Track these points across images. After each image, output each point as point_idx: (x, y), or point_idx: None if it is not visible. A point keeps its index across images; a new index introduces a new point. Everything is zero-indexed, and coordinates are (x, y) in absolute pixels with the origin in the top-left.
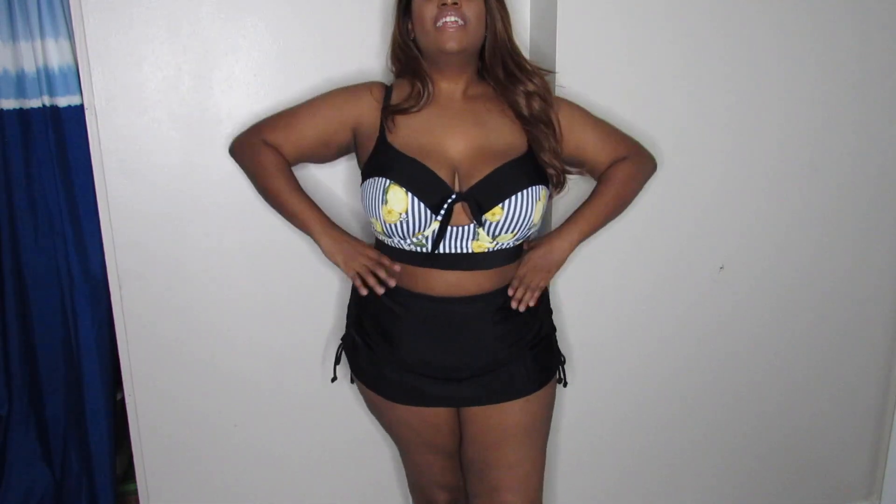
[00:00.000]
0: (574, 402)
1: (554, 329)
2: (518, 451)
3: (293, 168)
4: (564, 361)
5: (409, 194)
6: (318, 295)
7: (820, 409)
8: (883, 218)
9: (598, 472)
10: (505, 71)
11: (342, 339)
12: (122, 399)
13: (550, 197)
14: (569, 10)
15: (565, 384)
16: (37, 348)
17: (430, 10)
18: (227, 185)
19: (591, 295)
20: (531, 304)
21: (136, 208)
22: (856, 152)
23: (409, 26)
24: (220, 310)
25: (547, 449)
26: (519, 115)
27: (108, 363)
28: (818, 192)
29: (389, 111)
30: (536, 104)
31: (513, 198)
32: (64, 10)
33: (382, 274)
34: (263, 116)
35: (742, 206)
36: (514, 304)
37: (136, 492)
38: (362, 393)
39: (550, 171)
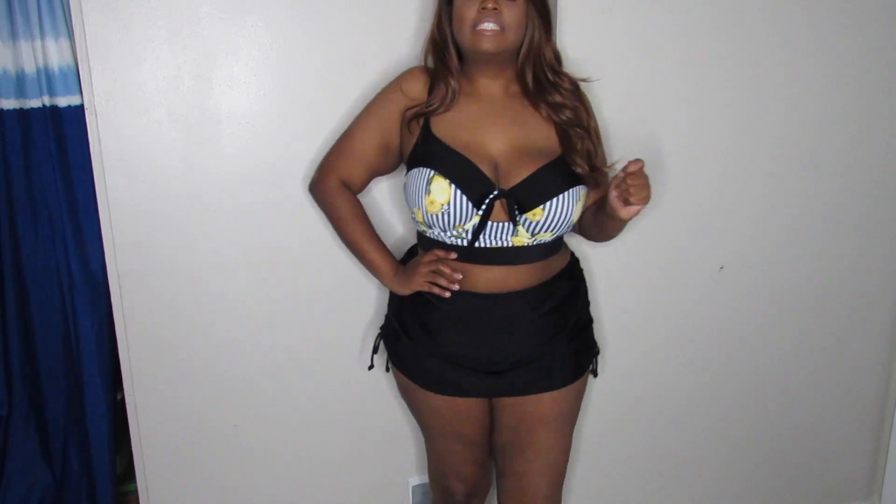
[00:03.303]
0: None
1: (591, 320)
2: (549, 438)
3: (370, 183)
4: (598, 352)
5: (453, 186)
6: (318, 295)
7: (820, 409)
8: (883, 218)
9: (598, 471)
10: (535, 79)
11: (381, 328)
12: (122, 399)
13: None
14: (569, 11)
15: (596, 374)
16: (37, 348)
17: (470, 12)
18: (227, 184)
19: (591, 295)
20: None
21: (136, 208)
22: (856, 152)
23: (449, 22)
24: (220, 310)
25: None
26: (553, 118)
27: (108, 363)
28: (818, 192)
29: (418, 114)
30: (565, 114)
31: (555, 199)
32: (64, 10)
33: (446, 269)
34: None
35: (742, 206)
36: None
37: (136, 492)
38: (396, 378)
39: (579, 171)
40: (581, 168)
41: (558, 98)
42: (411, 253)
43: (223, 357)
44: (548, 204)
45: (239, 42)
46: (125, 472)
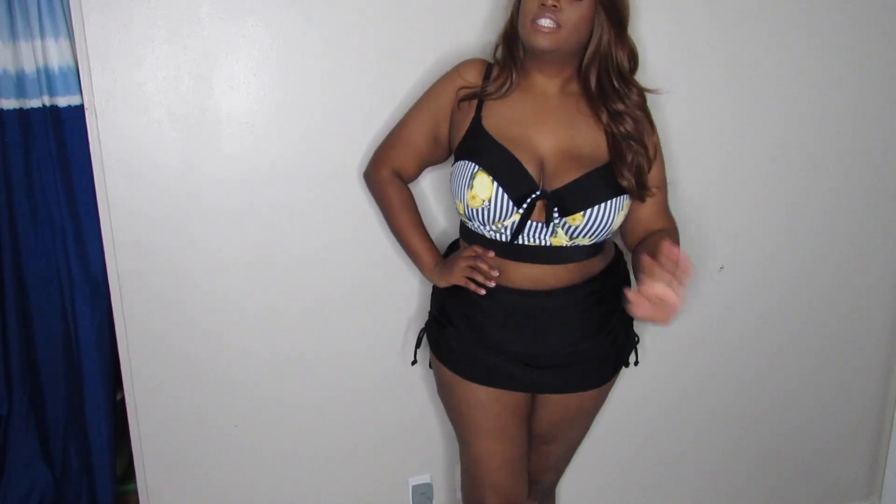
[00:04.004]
0: None
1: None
2: (580, 427)
3: (422, 173)
4: (638, 341)
5: (495, 183)
6: (319, 295)
7: (819, 409)
8: (882, 218)
9: (598, 470)
10: (599, 84)
11: (426, 323)
12: (122, 399)
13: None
14: None
15: (637, 363)
16: (37, 348)
17: (531, 6)
18: (227, 184)
19: None
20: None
21: (136, 208)
22: (855, 152)
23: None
24: (220, 310)
25: None
26: (609, 127)
27: (108, 363)
28: (818, 192)
29: (474, 94)
30: (626, 126)
31: (596, 207)
32: (64, 10)
33: (484, 266)
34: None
35: (742, 206)
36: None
37: (136, 492)
38: (439, 375)
39: (624, 183)
40: (627, 182)
41: (621, 107)
42: (453, 248)
43: (223, 357)
44: (589, 211)
45: (239, 42)
46: (125, 472)
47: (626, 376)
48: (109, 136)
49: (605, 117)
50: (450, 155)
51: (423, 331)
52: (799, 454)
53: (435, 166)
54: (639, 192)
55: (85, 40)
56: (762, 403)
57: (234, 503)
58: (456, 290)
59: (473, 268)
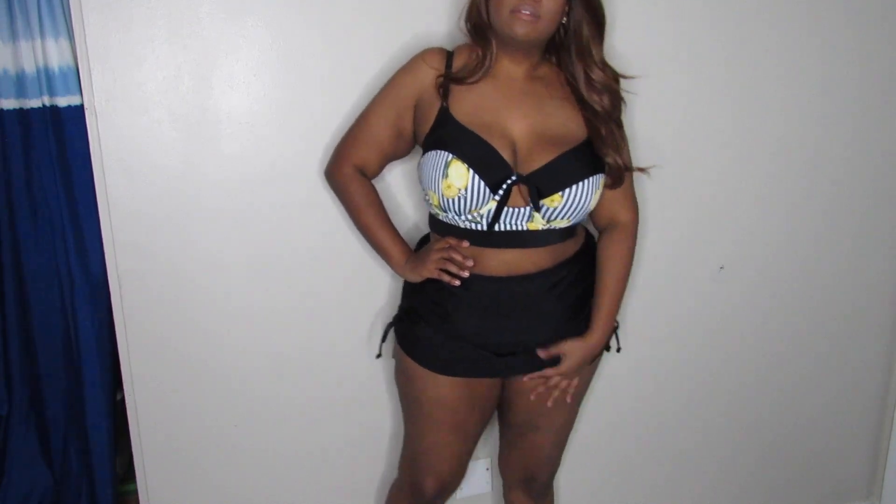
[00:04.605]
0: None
1: None
2: (563, 415)
3: (385, 168)
4: (618, 327)
5: (471, 171)
6: (318, 295)
7: (819, 409)
8: (882, 217)
9: (598, 470)
10: (583, 69)
11: (394, 317)
12: (122, 399)
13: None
14: None
15: (619, 349)
16: (37, 348)
17: None
18: (227, 184)
19: None
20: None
21: (136, 208)
22: (855, 152)
23: None
24: (220, 310)
25: None
26: (585, 107)
27: (108, 363)
28: (818, 191)
29: (448, 79)
30: (605, 106)
31: (574, 186)
32: (64, 10)
33: (458, 256)
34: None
35: (742, 206)
36: (531, 396)
37: (136, 492)
38: (403, 366)
39: (610, 163)
40: (613, 159)
41: (601, 85)
42: (423, 242)
43: (223, 357)
44: (566, 191)
45: (239, 42)
46: (125, 472)
47: (626, 376)
48: (109, 136)
49: (588, 97)
50: (413, 148)
51: (389, 325)
52: (799, 454)
53: (398, 161)
54: (621, 171)
55: (85, 40)
56: (762, 403)
57: (234, 503)
58: (428, 283)
59: (447, 259)
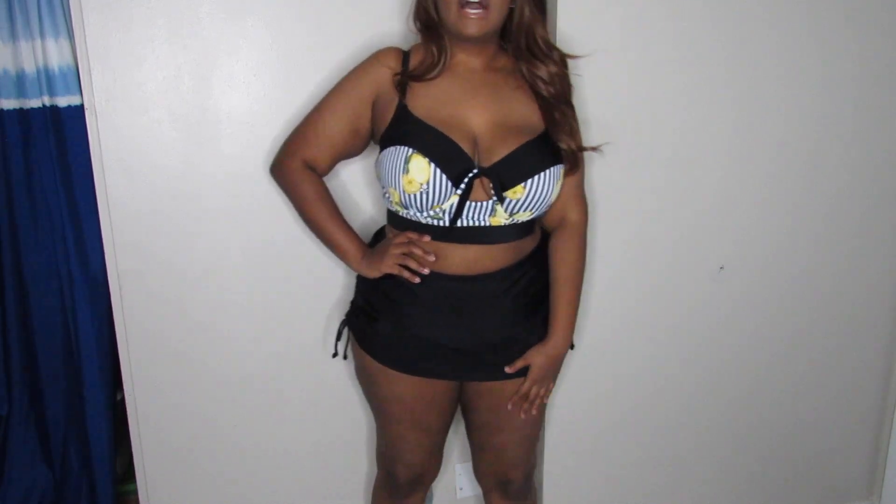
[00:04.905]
0: (574, 401)
1: None
2: (527, 415)
3: (336, 166)
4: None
5: (432, 165)
6: (318, 294)
7: (820, 409)
8: (883, 217)
9: (598, 470)
10: (528, 51)
11: (346, 314)
12: (122, 399)
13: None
14: (568, 11)
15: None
16: (37, 348)
17: None
18: (227, 184)
19: (591, 295)
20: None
21: (136, 208)
22: (855, 152)
23: None
24: (220, 310)
25: (546, 447)
26: (538, 95)
27: (108, 363)
28: (818, 191)
29: (405, 77)
30: (554, 88)
31: (536, 177)
32: (64, 10)
33: (418, 252)
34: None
35: (742, 206)
36: (522, 415)
37: (136, 492)
38: (363, 364)
39: (566, 150)
40: (566, 145)
41: (553, 69)
42: (378, 236)
43: (223, 357)
44: (529, 182)
45: (239, 42)
46: (125, 472)
47: (626, 376)
48: (109, 136)
49: (536, 83)
50: (367, 146)
51: (343, 323)
52: (799, 454)
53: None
54: (576, 153)
55: (85, 40)
56: (762, 403)
57: (234, 502)
58: (384, 279)
59: (407, 254)
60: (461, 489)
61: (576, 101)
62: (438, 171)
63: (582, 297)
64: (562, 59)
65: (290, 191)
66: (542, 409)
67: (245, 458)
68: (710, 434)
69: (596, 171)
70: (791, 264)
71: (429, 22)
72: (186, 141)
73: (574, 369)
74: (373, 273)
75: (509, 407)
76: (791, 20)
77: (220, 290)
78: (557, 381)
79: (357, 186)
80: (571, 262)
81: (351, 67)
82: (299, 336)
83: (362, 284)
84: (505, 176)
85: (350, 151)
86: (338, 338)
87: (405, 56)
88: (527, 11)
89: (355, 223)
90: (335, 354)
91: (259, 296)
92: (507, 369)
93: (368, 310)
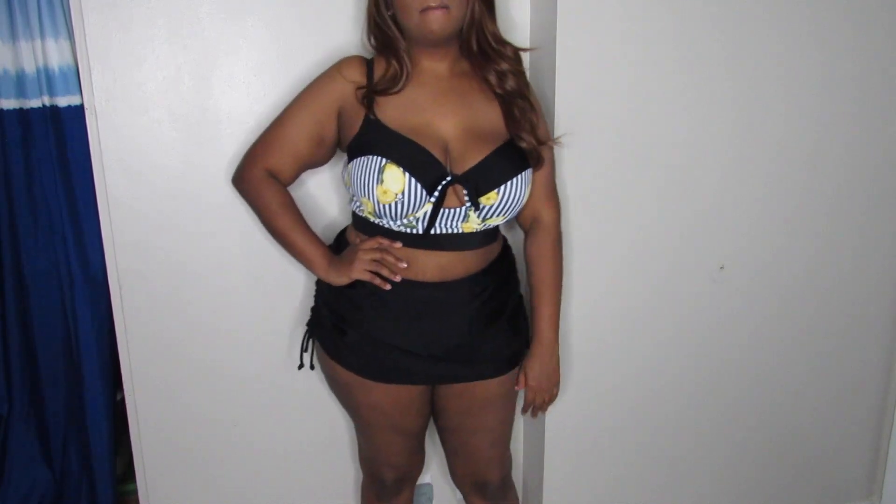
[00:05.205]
0: (575, 401)
1: (522, 297)
2: (497, 415)
3: (300, 176)
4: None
5: (407, 174)
6: None
7: (820, 409)
8: (883, 218)
9: (598, 471)
10: (479, 48)
11: (308, 323)
12: (122, 399)
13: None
14: (569, 11)
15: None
16: (37, 348)
17: None
18: (227, 184)
19: (590, 295)
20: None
21: (136, 208)
22: (856, 152)
23: (386, 3)
24: (219, 309)
25: (546, 448)
26: (494, 93)
27: (108, 363)
28: (818, 191)
29: (370, 91)
30: (509, 84)
31: (508, 183)
32: (64, 10)
33: (390, 258)
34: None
35: (742, 206)
36: (536, 415)
37: (136, 492)
38: (332, 374)
39: (524, 145)
40: (527, 143)
41: (504, 66)
42: (340, 240)
43: (223, 357)
44: (502, 188)
45: (239, 42)
46: (125, 472)
47: (626, 376)
48: (109, 136)
49: (493, 79)
50: (333, 155)
51: (307, 333)
52: (799, 454)
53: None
54: (537, 149)
55: (85, 40)
56: (762, 403)
57: (234, 502)
58: (352, 286)
59: (378, 261)
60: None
61: (576, 100)
62: (413, 180)
63: (580, 297)
64: (515, 54)
65: (253, 200)
66: (514, 407)
67: (245, 457)
68: (710, 434)
69: (595, 171)
70: (791, 264)
71: (385, 39)
72: (186, 141)
73: (574, 369)
74: (341, 280)
75: (531, 416)
76: (791, 20)
77: (220, 290)
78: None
79: (323, 189)
80: (549, 263)
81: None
82: (299, 336)
83: (327, 293)
84: (479, 182)
85: (315, 161)
86: (305, 348)
87: (369, 65)
88: (476, 9)
89: (319, 228)
90: (301, 366)
91: (259, 295)
92: (517, 388)
93: (335, 321)
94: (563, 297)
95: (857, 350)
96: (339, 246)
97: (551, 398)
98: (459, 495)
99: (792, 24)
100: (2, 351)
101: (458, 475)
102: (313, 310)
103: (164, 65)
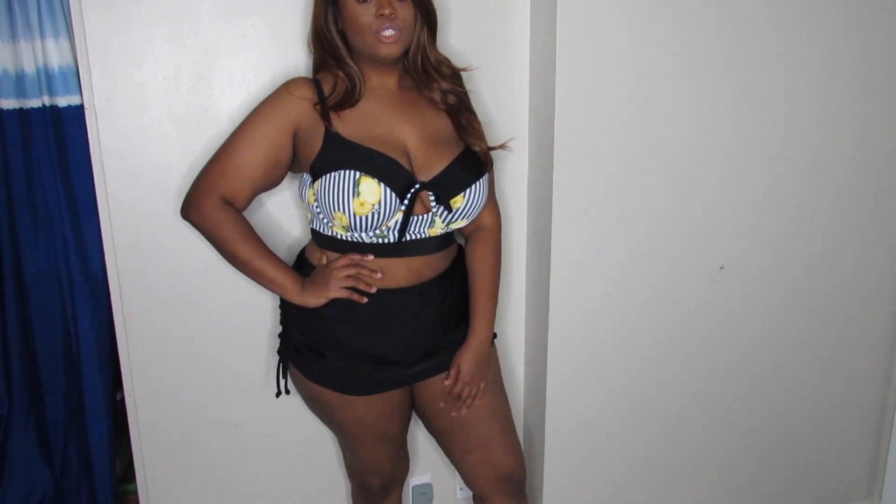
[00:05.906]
0: (575, 402)
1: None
2: (490, 402)
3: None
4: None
5: (382, 184)
6: None
7: (820, 410)
8: (883, 218)
9: (598, 471)
10: (423, 70)
11: (280, 351)
12: (122, 399)
13: None
14: (569, 11)
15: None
16: (37, 348)
17: (366, 17)
18: None
19: (590, 295)
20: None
21: (136, 208)
22: (856, 152)
23: (336, 18)
24: (220, 309)
25: (546, 448)
26: (443, 108)
27: (108, 363)
28: (818, 191)
29: (330, 107)
30: (451, 99)
31: (473, 186)
32: (64, 10)
33: (365, 272)
34: None
35: (742, 207)
36: (453, 413)
37: (136, 492)
38: (310, 395)
39: (478, 150)
40: (479, 148)
41: (445, 85)
42: (300, 261)
43: (223, 357)
44: (467, 191)
45: (239, 42)
46: (125, 472)
47: (626, 376)
48: (109, 136)
49: (436, 96)
50: (285, 176)
51: (281, 360)
52: (799, 454)
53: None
54: (488, 155)
55: (85, 40)
56: (762, 403)
57: (234, 502)
58: (326, 307)
59: (353, 276)
60: (461, 489)
61: (576, 101)
62: (388, 189)
63: (580, 297)
64: (455, 74)
65: (213, 232)
66: (504, 392)
67: (245, 458)
68: (710, 434)
69: (596, 171)
70: (791, 264)
71: (331, 51)
72: (186, 141)
73: (574, 369)
74: (318, 301)
75: (441, 405)
76: (792, 20)
77: (219, 290)
78: (557, 381)
79: (282, 209)
80: (488, 263)
81: None
82: None
83: (295, 315)
84: (447, 188)
85: (270, 183)
86: (282, 375)
87: (317, 83)
88: (423, 35)
89: (281, 250)
90: (279, 394)
91: (259, 295)
92: (446, 383)
93: (309, 343)
94: (562, 297)
95: (857, 350)
96: (302, 268)
97: (479, 391)
98: (460, 495)
99: (792, 25)
100: (2, 351)
101: (477, 477)
102: (282, 335)
103: (164, 65)
